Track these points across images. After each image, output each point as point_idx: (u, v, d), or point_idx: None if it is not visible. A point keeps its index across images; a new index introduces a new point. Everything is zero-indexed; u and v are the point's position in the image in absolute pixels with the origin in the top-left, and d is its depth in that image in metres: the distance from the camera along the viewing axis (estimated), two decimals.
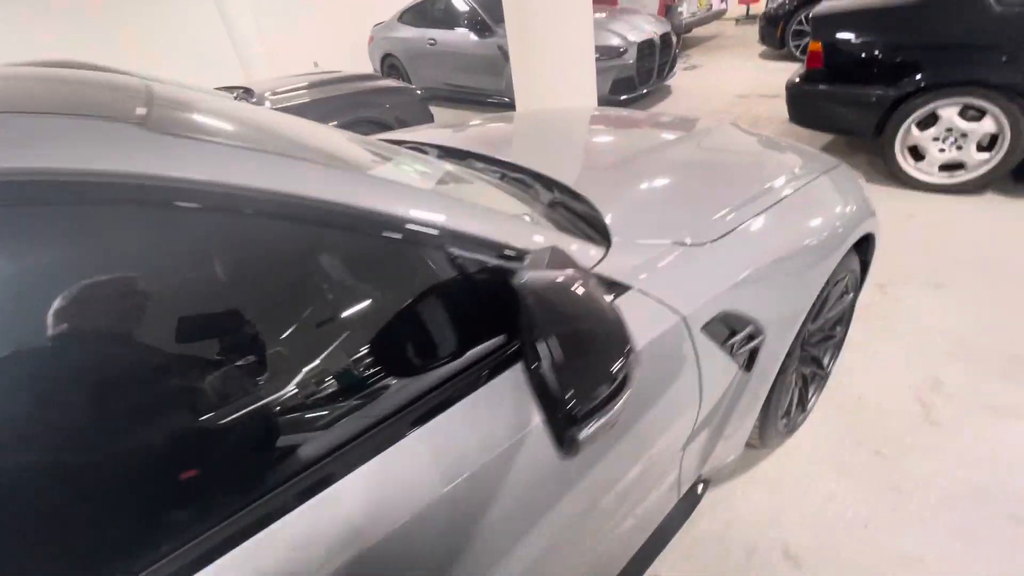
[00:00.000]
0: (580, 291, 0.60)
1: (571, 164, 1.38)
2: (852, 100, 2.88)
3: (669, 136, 1.60)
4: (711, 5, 7.46)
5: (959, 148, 2.66)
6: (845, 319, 1.61)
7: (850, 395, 1.70)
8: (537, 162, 1.38)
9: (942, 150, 2.72)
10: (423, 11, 6.32)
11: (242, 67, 8.29)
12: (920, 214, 2.65)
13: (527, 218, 0.95)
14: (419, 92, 3.93)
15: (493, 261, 0.70)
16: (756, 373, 1.12)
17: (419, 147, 1.53)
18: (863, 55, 2.78)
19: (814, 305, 1.25)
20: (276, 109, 3.23)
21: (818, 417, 1.63)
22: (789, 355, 1.24)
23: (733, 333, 1.01)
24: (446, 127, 1.96)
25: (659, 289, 0.88)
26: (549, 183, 1.19)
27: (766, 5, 6.41)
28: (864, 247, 1.50)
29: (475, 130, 1.84)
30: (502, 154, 1.42)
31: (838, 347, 1.66)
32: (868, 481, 1.44)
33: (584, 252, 0.85)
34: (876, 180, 3.02)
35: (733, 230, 1.06)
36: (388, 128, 3.64)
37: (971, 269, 2.20)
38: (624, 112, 2.00)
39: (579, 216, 1.04)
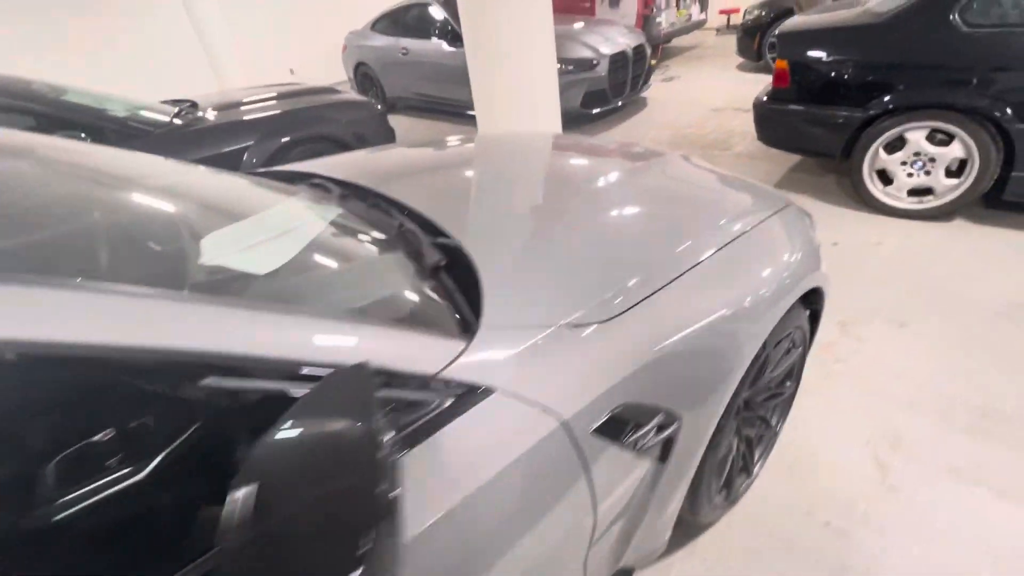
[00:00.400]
0: (332, 445, 0.44)
1: (482, 211, 1.23)
2: (819, 121, 2.77)
3: (607, 174, 1.45)
4: (690, 16, 7.38)
5: (927, 173, 2.56)
6: (795, 374, 1.47)
7: (803, 453, 1.56)
8: (451, 206, 1.23)
9: (910, 175, 2.61)
10: (396, 20, 6.18)
11: (215, 75, 8.11)
12: (888, 241, 2.54)
13: (376, 300, 0.80)
14: (379, 107, 3.77)
15: (276, 387, 0.55)
16: (674, 462, 0.97)
17: (327, 185, 1.38)
18: (829, 75, 2.67)
19: (749, 371, 1.11)
20: (221, 124, 3.06)
21: (767, 480, 1.49)
22: (720, 430, 1.10)
23: (639, 426, 0.86)
24: (383, 151, 1.80)
25: (535, 388, 0.74)
26: (445, 240, 1.04)
27: (743, 17, 6.34)
28: (813, 297, 1.37)
29: (402, 159, 1.69)
30: (420, 192, 1.28)
31: (788, 403, 1.53)
32: (816, 560, 1.30)
33: (433, 349, 0.70)
34: (845, 203, 2.91)
35: (645, 299, 0.92)
36: (345, 145, 3.48)
37: (936, 304, 2.08)
38: (574, 142, 1.86)
39: (464, 285, 0.90)
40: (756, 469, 1.46)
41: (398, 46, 6.00)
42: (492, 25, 2.99)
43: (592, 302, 0.88)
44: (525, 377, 0.74)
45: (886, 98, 2.50)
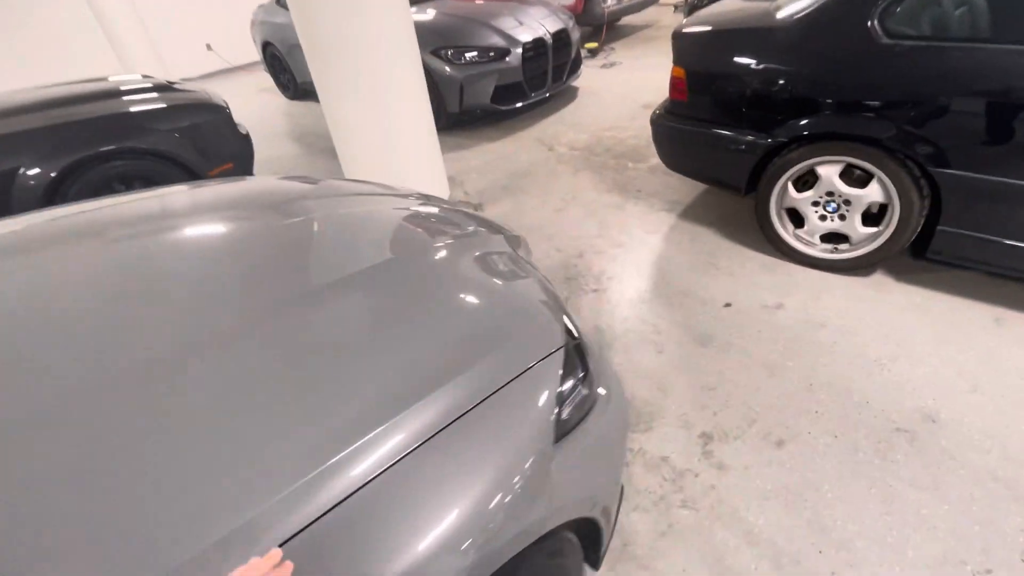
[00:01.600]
0: None
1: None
2: (719, 145, 2.24)
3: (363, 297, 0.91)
4: None
5: (842, 217, 2.06)
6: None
7: None
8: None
9: (823, 217, 2.11)
10: None
11: (117, 57, 7.23)
12: (790, 303, 2.05)
13: None
14: (228, 110, 3.13)
15: None
16: None
17: None
18: (730, 90, 2.13)
19: None
20: None
21: None
22: None
23: None
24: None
25: None
26: None
27: None
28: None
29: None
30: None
31: None
32: None
33: None
34: (754, 243, 2.41)
35: None
36: (175, 160, 2.85)
37: (828, 408, 1.61)
38: (381, 217, 1.28)
39: None
40: None
41: None
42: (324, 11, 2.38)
43: None
44: None
45: (793, 123, 1.98)
